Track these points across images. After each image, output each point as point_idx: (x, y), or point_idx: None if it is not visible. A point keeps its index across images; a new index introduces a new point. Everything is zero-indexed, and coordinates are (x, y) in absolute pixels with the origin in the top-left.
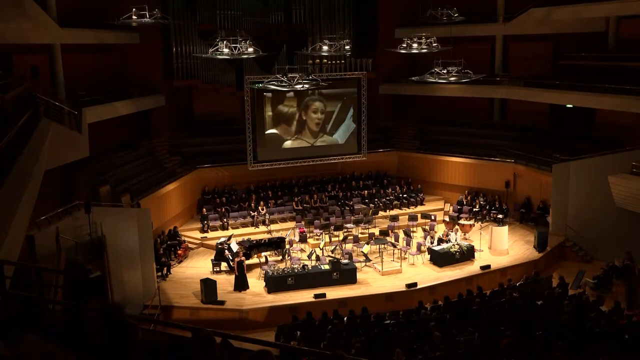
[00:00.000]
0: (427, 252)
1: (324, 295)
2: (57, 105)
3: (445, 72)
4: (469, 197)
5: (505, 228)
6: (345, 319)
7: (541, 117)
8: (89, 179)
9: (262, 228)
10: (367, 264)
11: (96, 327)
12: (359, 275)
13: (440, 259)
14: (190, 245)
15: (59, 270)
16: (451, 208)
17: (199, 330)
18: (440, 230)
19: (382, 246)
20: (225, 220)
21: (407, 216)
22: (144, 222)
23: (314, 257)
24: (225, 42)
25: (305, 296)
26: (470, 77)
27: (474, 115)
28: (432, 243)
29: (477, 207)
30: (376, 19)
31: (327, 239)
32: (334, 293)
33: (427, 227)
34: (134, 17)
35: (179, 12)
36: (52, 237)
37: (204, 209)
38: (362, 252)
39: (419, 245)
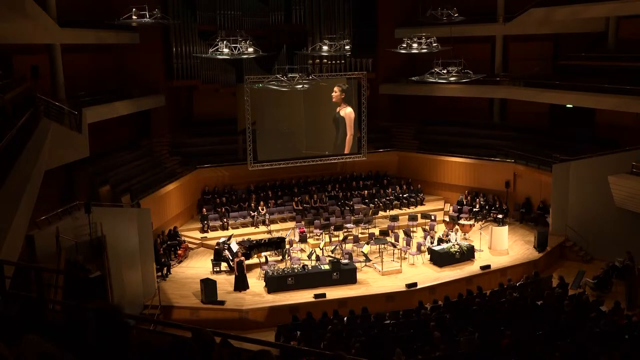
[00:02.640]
0: (427, 252)
1: (324, 295)
2: (57, 105)
3: (445, 72)
4: (469, 197)
5: (505, 228)
6: (345, 319)
7: (541, 117)
8: (89, 179)
9: (262, 228)
10: (367, 264)
11: (92, 327)
12: (359, 275)
13: (440, 259)
14: (190, 245)
15: (59, 270)
16: (451, 208)
17: (199, 330)
18: (440, 230)
19: (382, 246)
20: (225, 220)
21: (407, 216)
22: (144, 222)
23: (314, 257)
24: (225, 42)
25: (305, 296)
26: (470, 77)
27: (474, 115)
28: (432, 243)
29: (477, 207)
30: (376, 19)
31: (327, 239)
32: (334, 293)
33: (427, 227)
34: (134, 17)
35: (179, 12)
36: (52, 237)
37: (204, 209)
38: (362, 252)
39: (419, 245)
